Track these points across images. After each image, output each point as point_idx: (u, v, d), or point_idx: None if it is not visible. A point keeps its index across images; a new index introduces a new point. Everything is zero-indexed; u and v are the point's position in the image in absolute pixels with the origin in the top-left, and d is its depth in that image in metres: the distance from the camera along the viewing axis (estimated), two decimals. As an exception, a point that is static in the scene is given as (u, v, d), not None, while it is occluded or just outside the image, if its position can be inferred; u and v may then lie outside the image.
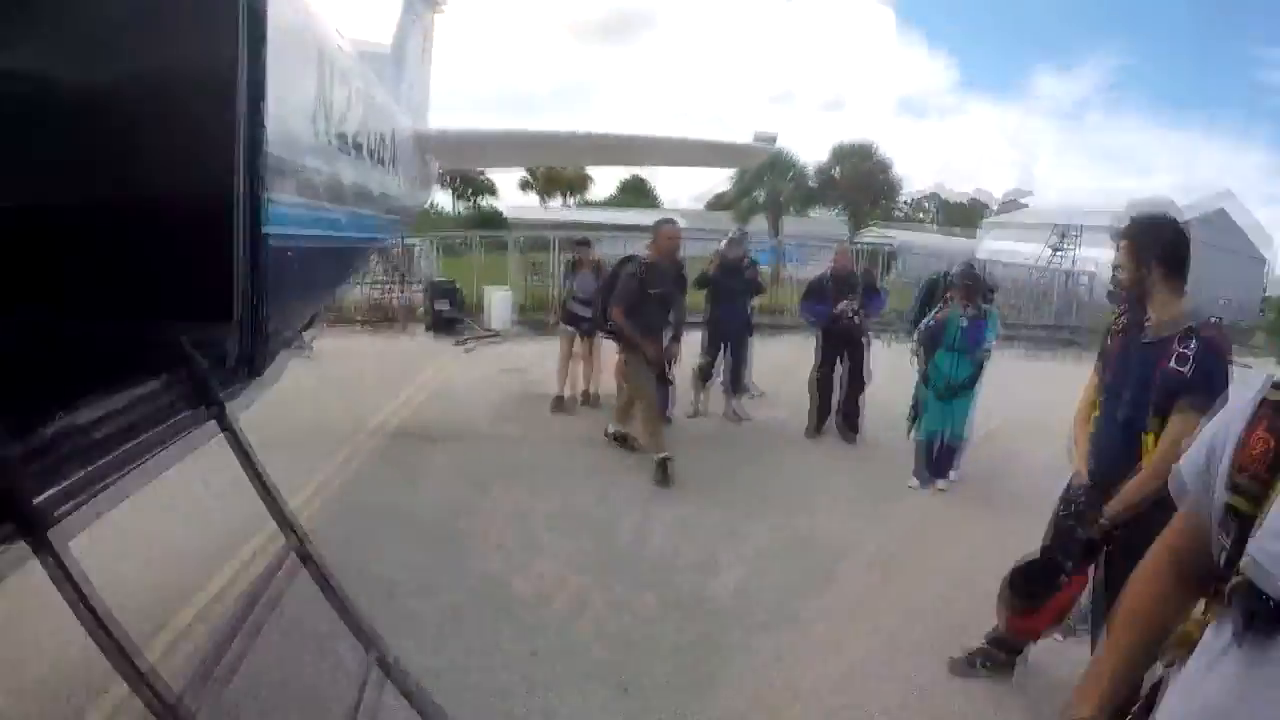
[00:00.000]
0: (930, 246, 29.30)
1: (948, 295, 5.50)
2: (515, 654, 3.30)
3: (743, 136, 8.23)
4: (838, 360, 6.79)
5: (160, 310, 2.19)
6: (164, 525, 4.18)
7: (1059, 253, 17.84)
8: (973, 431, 5.72)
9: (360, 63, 3.38)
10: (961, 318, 5.35)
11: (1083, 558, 2.62)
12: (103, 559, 3.53)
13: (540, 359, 10.60)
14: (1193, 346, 2.33)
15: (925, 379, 5.55)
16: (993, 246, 29.43)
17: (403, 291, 15.66)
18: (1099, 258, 24.06)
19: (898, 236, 34.12)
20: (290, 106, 2.35)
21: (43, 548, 1.47)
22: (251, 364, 2.27)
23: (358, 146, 3.20)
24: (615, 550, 4.37)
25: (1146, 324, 2.51)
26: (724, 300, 7.20)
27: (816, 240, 26.16)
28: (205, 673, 1.73)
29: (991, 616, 3.12)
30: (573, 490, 5.28)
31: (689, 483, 5.47)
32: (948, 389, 5.42)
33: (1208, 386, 2.26)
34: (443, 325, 13.82)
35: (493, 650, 3.33)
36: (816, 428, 6.85)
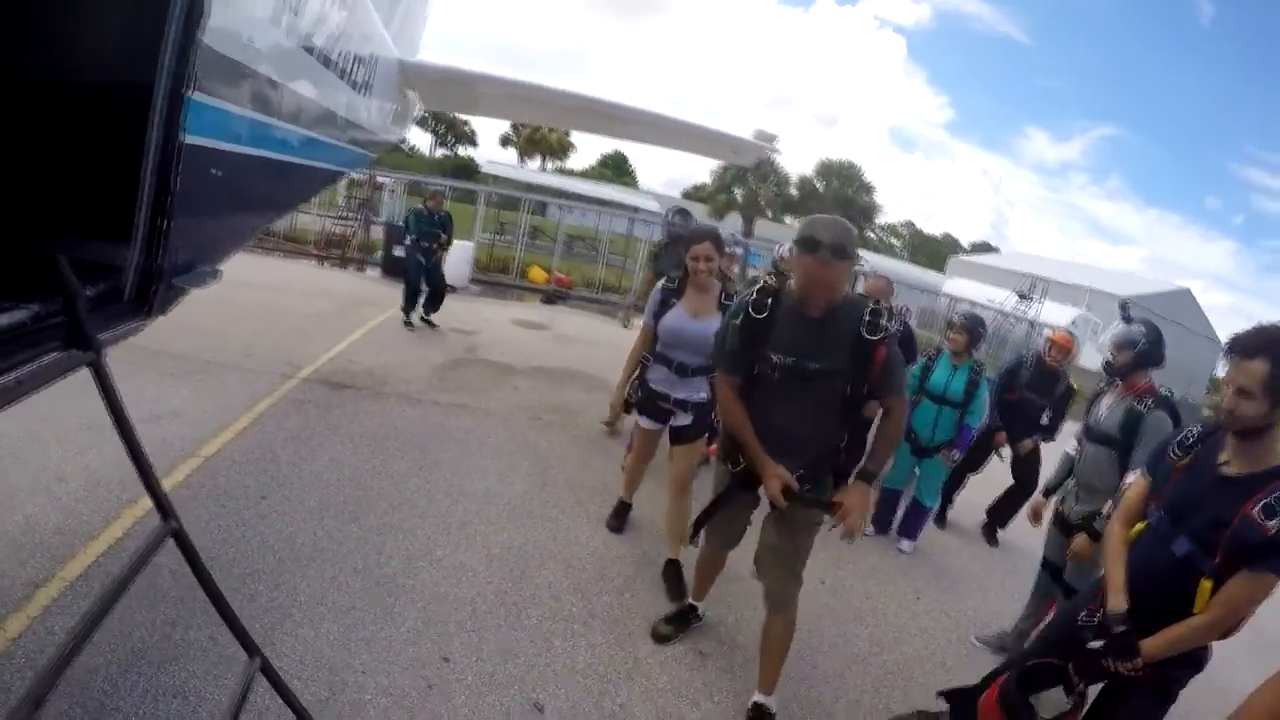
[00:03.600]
0: (898, 274, 29.57)
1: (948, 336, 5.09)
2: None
3: (740, 133, 7.81)
4: None
5: (37, 218, 1.75)
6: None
7: (1026, 301, 18.06)
8: (938, 498, 5.39)
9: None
10: (953, 365, 4.96)
11: (1093, 683, 2.36)
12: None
13: (492, 324, 10.24)
14: None
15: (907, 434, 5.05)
16: (959, 286, 29.92)
17: (366, 229, 14.98)
18: (1061, 316, 25.01)
19: (868, 260, 34.39)
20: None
21: None
22: (150, 300, 1.85)
23: (326, 61, 2.74)
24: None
25: (1223, 454, 2.17)
26: None
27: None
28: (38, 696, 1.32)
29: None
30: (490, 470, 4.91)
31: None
32: (924, 445, 5.00)
33: None
34: (399, 270, 13.28)
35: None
36: None
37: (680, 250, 6.12)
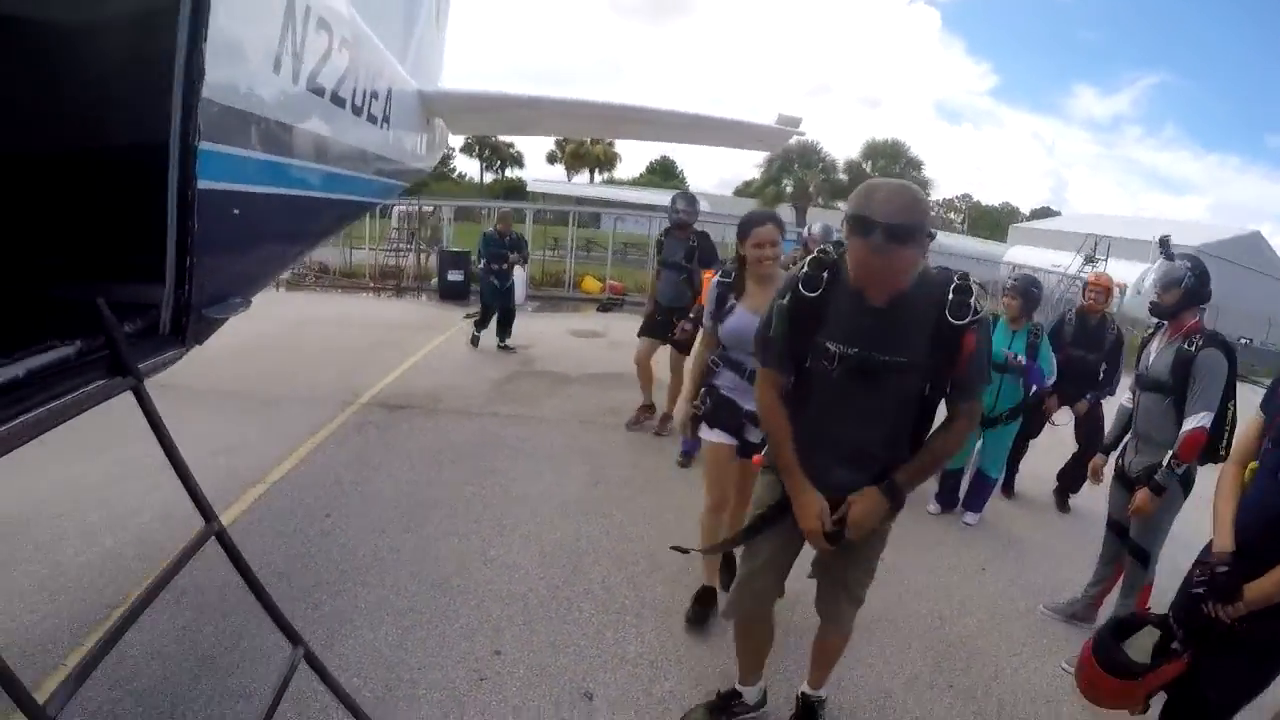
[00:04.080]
0: (958, 249, 28.77)
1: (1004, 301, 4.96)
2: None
3: (765, 120, 7.78)
4: None
5: (82, 269, 1.96)
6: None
7: (1092, 263, 17.32)
8: (1004, 469, 5.25)
9: (351, 13, 3.10)
10: (1010, 331, 4.83)
11: (1198, 637, 2.17)
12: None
13: (547, 336, 10.46)
14: None
15: None
16: (1021, 253, 28.85)
17: (419, 258, 15.53)
18: (1128, 273, 23.76)
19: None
20: (244, 47, 2.09)
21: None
22: (184, 332, 2.04)
23: (338, 100, 2.94)
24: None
25: None
26: None
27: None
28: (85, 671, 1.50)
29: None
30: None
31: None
32: (986, 415, 4.81)
33: None
34: (454, 294, 13.73)
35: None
36: None
37: (684, 237, 6.00)
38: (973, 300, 1.95)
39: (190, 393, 5.83)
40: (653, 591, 3.63)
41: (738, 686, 2.73)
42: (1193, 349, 3.21)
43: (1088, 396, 5.36)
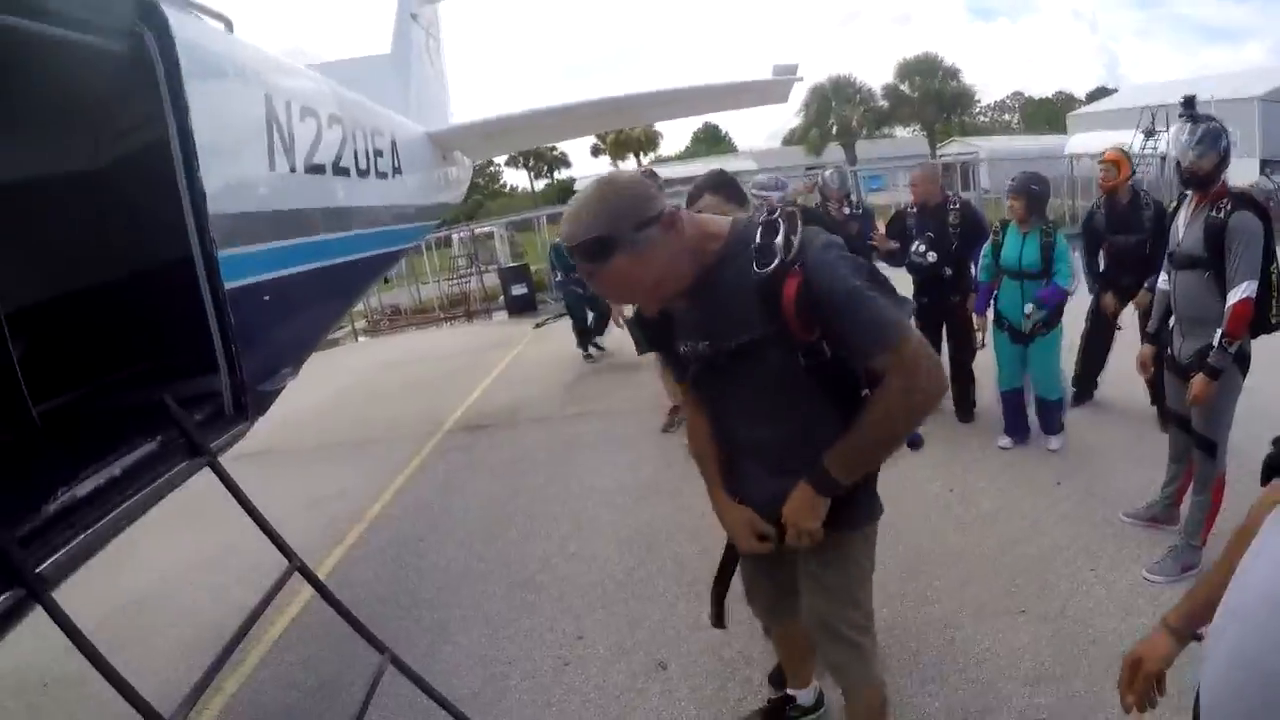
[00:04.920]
0: (1018, 150, 27.17)
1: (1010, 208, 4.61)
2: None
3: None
4: (939, 332, 5.07)
5: (152, 376, 2.33)
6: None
7: (1152, 138, 15.90)
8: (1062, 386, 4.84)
9: (334, 90, 3.40)
10: (1021, 234, 4.53)
11: None
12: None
13: (613, 330, 10.65)
14: None
15: (997, 320, 4.72)
16: (1082, 141, 26.82)
17: (482, 280, 16.09)
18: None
19: (982, 146, 31.76)
20: (235, 161, 2.41)
21: (43, 606, 1.58)
22: (245, 409, 2.38)
23: (340, 170, 3.26)
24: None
25: None
26: None
27: (895, 162, 25.02)
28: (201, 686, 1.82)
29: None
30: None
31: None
32: (1019, 330, 4.61)
33: None
34: (522, 308, 14.22)
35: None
36: None
37: None
38: (778, 240, 1.56)
39: (289, 453, 6.47)
40: (723, 559, 3.80)
41: (789, 690, 2.59)
42: (1221, 215, 2.99)
43: (1146, 285, 5.05)
